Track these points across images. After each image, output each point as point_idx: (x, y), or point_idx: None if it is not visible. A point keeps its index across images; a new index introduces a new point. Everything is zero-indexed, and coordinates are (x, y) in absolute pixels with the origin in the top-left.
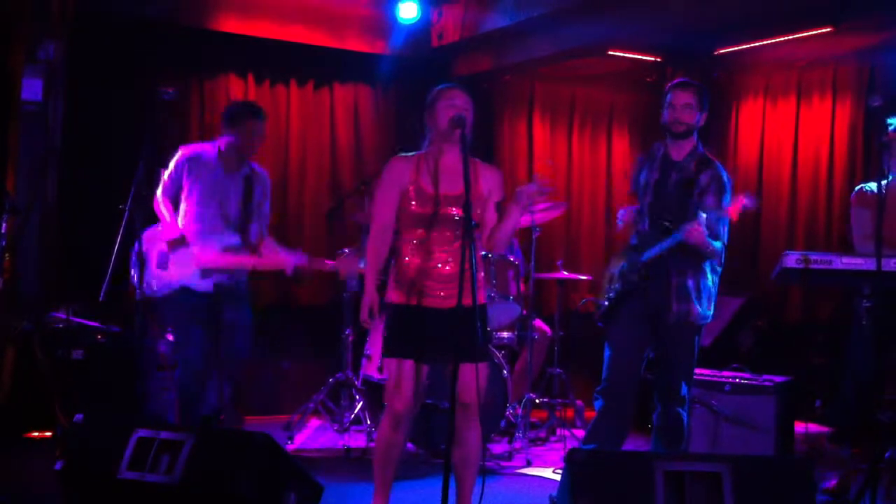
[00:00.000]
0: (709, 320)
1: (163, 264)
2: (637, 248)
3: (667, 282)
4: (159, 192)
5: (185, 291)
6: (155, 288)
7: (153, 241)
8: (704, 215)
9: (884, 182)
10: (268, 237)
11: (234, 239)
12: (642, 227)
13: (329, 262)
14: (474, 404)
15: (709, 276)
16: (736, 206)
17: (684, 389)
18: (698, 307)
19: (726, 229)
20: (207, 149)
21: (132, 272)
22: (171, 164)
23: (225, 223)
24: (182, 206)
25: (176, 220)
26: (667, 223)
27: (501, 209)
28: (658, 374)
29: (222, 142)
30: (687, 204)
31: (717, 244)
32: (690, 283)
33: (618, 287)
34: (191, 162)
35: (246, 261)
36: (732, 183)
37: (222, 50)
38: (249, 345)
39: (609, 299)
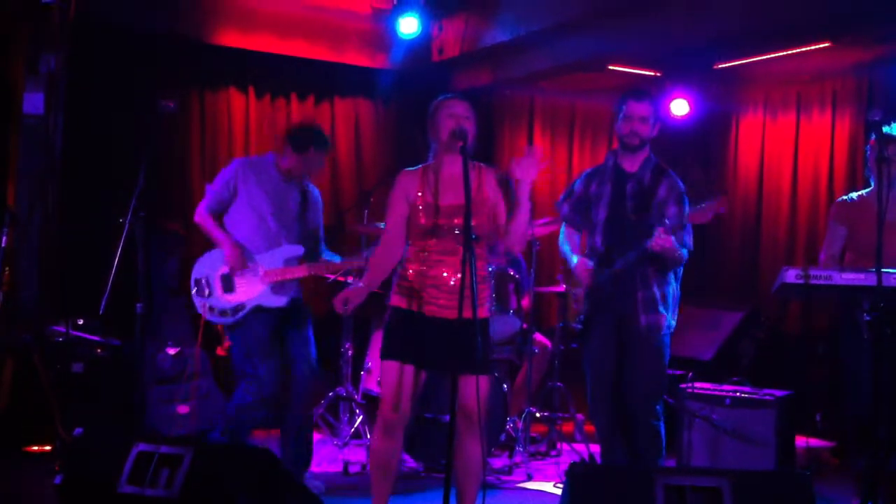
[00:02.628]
0: (673, 328)
1: (228, 287)
2: (599, 265)
3: (633, 294)
4: (203, 206)
5: (259, 310)
6: (229, 312)
7: (214, 266)
8: (668, 221)
9: (865, 192)
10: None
11: (298, 250)
12: (596, 242)
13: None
14: (475, 417)
15: (672, 284)
16: (706, 214)
17: (658, 399)
18: (666, 317)
19: (690, 237)
20: (262, 159)
21: (196, 302)
22: (222, 175)
23: (288, 233)
24: (240, 216)
25: (226, 236)
26: (627, 237)
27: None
28: (632, 387)
29: (283, 161)
30: (644, 216)
31: (683, 251)
32: (657, 293)
33: (586, 309)
34: (248, 168)
35: (312, 269)
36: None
37: (223, 63)
38: (313, 367)
39: (581, 322)
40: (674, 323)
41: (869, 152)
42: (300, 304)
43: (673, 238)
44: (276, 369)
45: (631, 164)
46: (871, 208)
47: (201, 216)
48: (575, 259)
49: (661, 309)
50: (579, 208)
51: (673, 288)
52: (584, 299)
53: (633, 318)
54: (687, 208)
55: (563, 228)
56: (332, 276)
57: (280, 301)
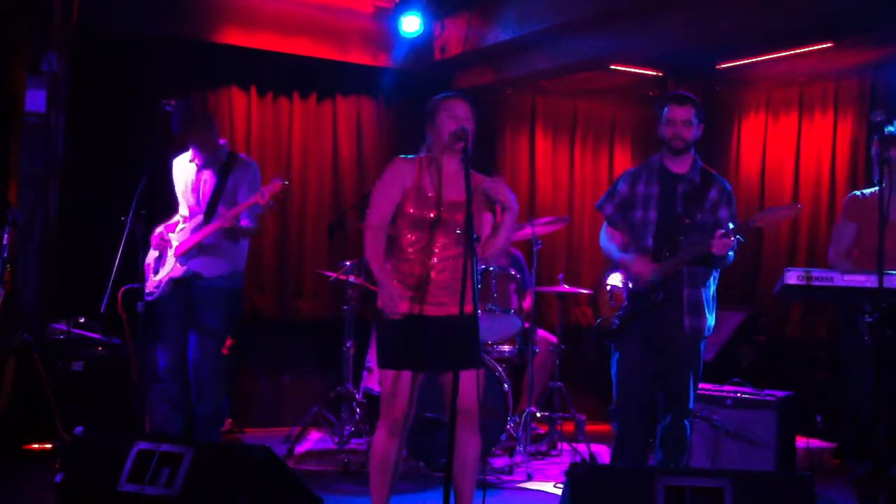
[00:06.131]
0: (712, 330)
1: (157, 270)
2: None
3: (679, 296)
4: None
5: (171, 283)
6: (153, 291)
7: (151, 252)
8: (732, 225)
9: (871, 190)
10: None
11: (199, 220)
12: (646, 242)
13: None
14: (475, 411)
15: (712, 286)
16: (776, 219)
17: (692, 400)
18: (708, 319)
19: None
20: (186, 153)
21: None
22: None
23: (199, 210)
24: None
25: (158, 227)
26: (680, 238)
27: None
28: (669, 387)
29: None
30: (696, 217)
31: (731, 254)
32: (703, 295)
33: (629, 306)
34: (175, 164)
35: (209, 228)
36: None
37: (225, 63)
38: (202, 355)
39: (620, 318)
40: (713, 323)
41: (874, 153)
42: (214, 284)
43: (733, 240)
44: (171, 349)
45: (678, 166)
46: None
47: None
48: (630, 256)
49: (705, 310)
50: (623, 208)
51: (712, 289)
52: (627, 296)
53: (677, 320)
54: (735, 209)
55: (604, 228)
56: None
57: (181, 271)
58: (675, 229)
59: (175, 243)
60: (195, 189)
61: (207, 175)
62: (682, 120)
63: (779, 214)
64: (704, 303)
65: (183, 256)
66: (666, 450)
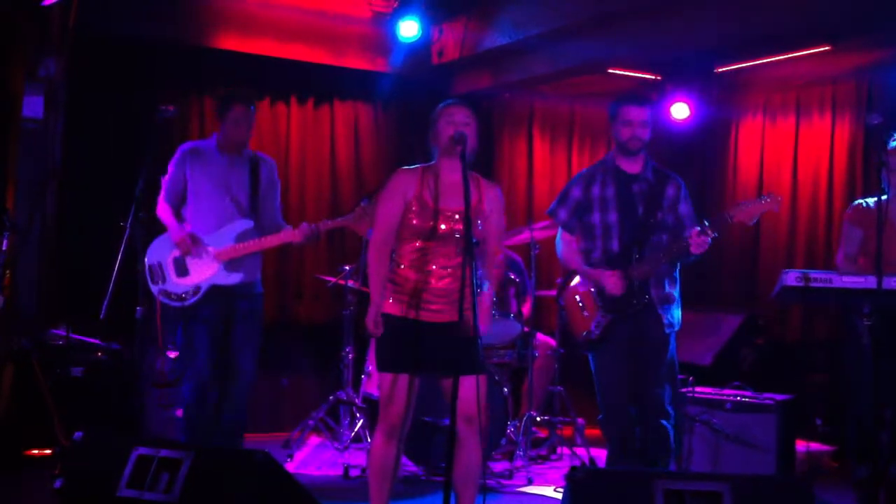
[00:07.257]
0: (679, 327)
1: (182, 271)
2: (616, 268)
3: (648, 294)
4: (161, 198)
5: (216, 290)
6: (185, 296)
7: (164, 251)
8: (707, 222)
9: (874, 200)
10: (286, 225)
11: (248, 224)
12: (611, 245)
13: (340, 219)
14: (476, 417)
15: (677, 281)
16: (751, 213)
17: (669, 401)
18: (678, 315)
19: None
20: (206, 142)
21: (153, 289)
22: (171, 165)
23: (237, 210)
24: (190, 202)
25: (177, 222)
26: (646, 238)
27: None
28: (644, 389)
29: (220, 135)
30: (656, 216)
31: None
32: (670, 293)
33: (608, 313)
34: (191, 156)
35: (262, 243)
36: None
37: (222, 68)
38: (244, 362)
39: (600, 326)
40: (680, 318)
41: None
42: (254, 291)
43: (710, 237)
44: (202, 355)
45: (632, 166)
46: (886, 215)
47: (160, 207)
48: (598, 271)
49: (675, 308)
50: (578, 213)
51: (678, 284)
52: (596, 305)
53: (653, 320)
54: (691, 204)
55: (559, 236)
56: (299, 241)
57: (234, 278)
58: (639, 230)
59: (213, 247)
60: (226, 186)
61: (241, 174)
62: (640, 121)
63: (756, 207)
64: (673, 301)
65: (231, 262)
66: (652, 453)
